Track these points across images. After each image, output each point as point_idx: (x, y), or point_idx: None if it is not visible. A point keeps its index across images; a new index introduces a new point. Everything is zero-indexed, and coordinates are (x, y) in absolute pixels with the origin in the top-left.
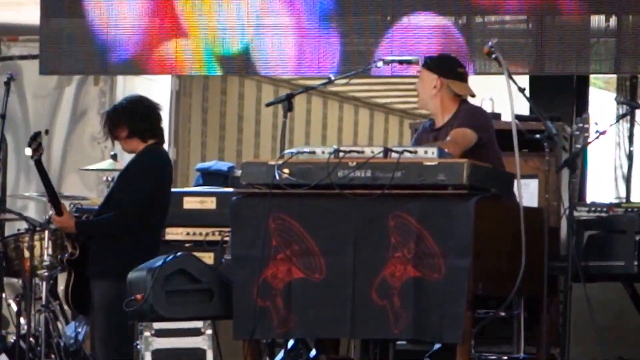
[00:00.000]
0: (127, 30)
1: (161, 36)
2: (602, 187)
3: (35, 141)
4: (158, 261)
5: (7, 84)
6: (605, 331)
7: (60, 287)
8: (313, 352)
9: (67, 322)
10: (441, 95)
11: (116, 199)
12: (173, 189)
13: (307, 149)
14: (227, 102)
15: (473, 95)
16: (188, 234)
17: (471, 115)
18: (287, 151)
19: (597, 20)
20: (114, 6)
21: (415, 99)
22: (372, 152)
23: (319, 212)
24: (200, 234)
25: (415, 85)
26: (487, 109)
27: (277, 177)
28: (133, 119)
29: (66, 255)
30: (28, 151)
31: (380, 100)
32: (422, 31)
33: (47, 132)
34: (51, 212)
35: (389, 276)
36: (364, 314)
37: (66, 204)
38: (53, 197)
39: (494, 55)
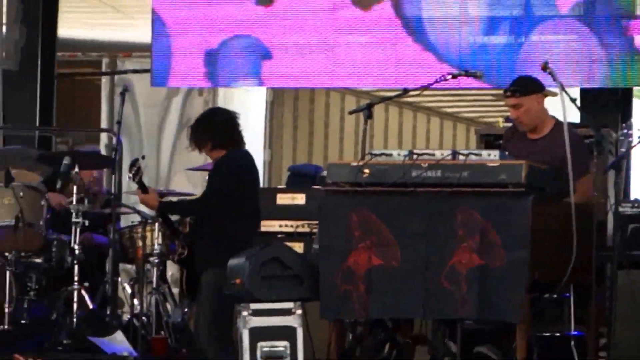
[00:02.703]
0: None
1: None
2: None
3: (134, 167)
4: (255, 250)
5: (122, 94)
6: None
7: (169, 273)
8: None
9: (174, 304)
10: (542, 112)
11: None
12: (268, 187)
13: (385, 152)
14: (315, 111)
15: (555, 95)
16: (281, 226)
17: (580, 153)
18: (367, 153)
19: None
20: (215, 26)
21: (479, 109)
22: (442, 154)
23: (395, 208)
24: (292, 226)
25: (511, 115)
26: None
27: (359, 177)
28: (214, 135)
29: (177, 255)
30: (128, 176)
31: (449, 109)
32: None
33: (143, 157)
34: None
35: (457, 264)
36: (435, 297)
37: (174, 198)
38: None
39: (548, 71)
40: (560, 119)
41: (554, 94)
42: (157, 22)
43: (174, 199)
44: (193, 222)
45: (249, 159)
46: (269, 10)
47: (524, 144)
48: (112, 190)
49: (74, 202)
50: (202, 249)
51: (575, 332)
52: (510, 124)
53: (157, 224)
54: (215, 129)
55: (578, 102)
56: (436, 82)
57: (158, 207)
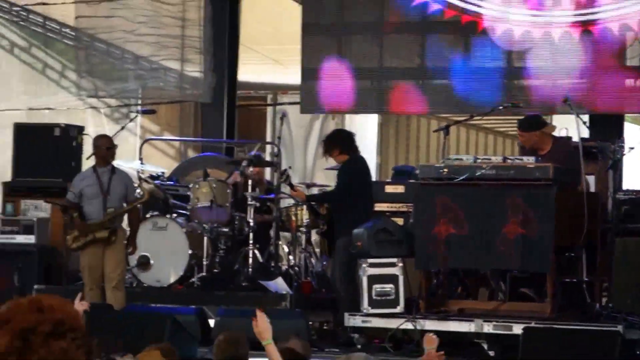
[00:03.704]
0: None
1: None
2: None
3: (284, 175)
4: (371, 223)
5: (281, 119)
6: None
7: (313, 238)
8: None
9: (317, 259)
10: (540, 140)
11: (337, 186)
12: (379, 180)
13: (458, 157)
14: (411, 130)
15: (553, 129)
16: (388, 207)
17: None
18: (446, 158)
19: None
20: (344, 74)
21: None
22: (496, 159)
23: (465, 195)
24: (395, 207)
25: (519, 139)
26: (563, 133)
27: (440, 174)
28: (338, 145)
29: (319, 229)
30: (280, 180)
31: (500, 129)
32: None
33: (290, 168)
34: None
35: (507, 233)
36: (492, 254)
37: (315, 189)
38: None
39: (568, 103)
40: (569, 134)
41: (552, 129)
42: (305, 71)
43: (315, 189)
44: (329, 207)
45: (364, 162)
46: None
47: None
48: (275, 182)
49: (249, 191)
50: (337, 223)
51: (586, 279)
52: None
53: (304, 206)
54: (340, 141)
55: (587, 123)
56: (492, 111)
57: (306, 199)
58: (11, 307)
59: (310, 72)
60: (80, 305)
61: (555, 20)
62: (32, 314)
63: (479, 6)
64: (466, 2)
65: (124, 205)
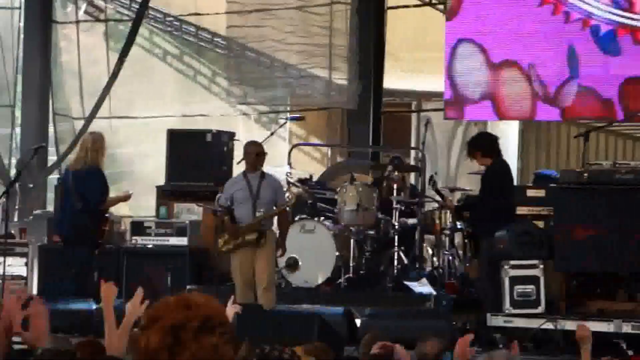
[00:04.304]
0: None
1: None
2: None
3: (431, 181)
4: (513, 225)
5: (425, 125)
6: None
7: (456, 241)
8: None
9: (459, 261)
10: None
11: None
12: (520, 185)
13: (597, 162)
14: (551, 135)
15: None
16: (529, 210)
17: None
18: (586, 163)
19: None
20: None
21: None
22: (635, 164)
23: (604, 197)
24: (536, 210)
25: None
26: None
27: (581, 178)
28: (482, 147)
29: (465, 231)
30: (427, 187)
31: (637, 135)
32: None
33: (435, 174)
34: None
35: None
36: (631, 257)
37: (458, 194)
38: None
39: None
40: None
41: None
42: (447, 79)
43: (458, 194)
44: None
45: (507, 165)
46: None
47: None
48: (419, 187)
49: (394, 194)
50: (481, 225)
51: None
52: None
53: (448, 210)
54: (483, 144)
55: None
56: (630, 117)
57: (455, 209)
58: (160, 306)
59: (451, 80)
60: (232, 309)
61: None
62: (180, 312)
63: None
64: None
65: (274, 208)
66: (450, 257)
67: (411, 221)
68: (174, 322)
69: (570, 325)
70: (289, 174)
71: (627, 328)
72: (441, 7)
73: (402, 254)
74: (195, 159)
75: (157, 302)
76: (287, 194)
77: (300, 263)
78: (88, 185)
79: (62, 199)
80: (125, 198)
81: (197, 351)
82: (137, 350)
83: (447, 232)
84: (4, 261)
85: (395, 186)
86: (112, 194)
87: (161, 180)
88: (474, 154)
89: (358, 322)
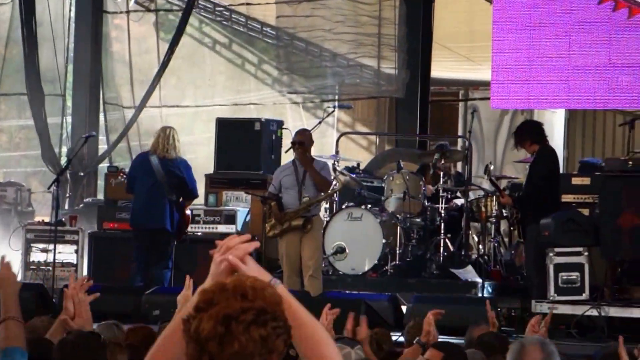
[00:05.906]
0: None
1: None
2: None
3: (486, 171)
4: (558, 213)
5: (472, 114)
6: None
7: (502, 228)
8: None
9: (505, 248)
10: None
11: (530, 178)
12: (566, 172)
13: None
14: (597, 124)
15: None
16: (574, 198)
17: None
18: (630, 151)
19: None
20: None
21: None
22: None
23: None
24: (581, 198)
25: None
26: None
27: (625, 166)
28: (530, 135)
29: (513, 219)
30: (485, 177)
31: None
32: None
33: (490, 163)
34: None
35: None
36: None
37: (504, 182)
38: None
39: None
40: None
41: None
42: (494, 68)
43: (505, 182)
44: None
45: (554, 152)
46: None
47: None
48: (465, 174)
49: (441, 183)
50: (527, 212)
51: None
52: None
53: (494, 197)
54: (531, 132)
55: None
56: None
57: (512, 203)
58: (216, 290)
59: (500, 69)
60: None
61: None
62: (236, 301)
63: None
64: None
65: (321, 195)
66: (496, 245)
67: (460, 202)
68: (227, 311)
69: (614, 311)
70: (336, 162)
71: None
72: None
73: (448, 242)
74: (243, 147)
75: (214, 286)
76: (334, 182)
77: (347, 250)
78: (187, 173)
79: (148, 187)
80: None
81: (247, 342)
82: (186, 332)
83: (493, 219)
84: (55, 248)
85: (441, 174)
86: None
87: (211, 169)
88: (523, 144)
89: (404, 308)
